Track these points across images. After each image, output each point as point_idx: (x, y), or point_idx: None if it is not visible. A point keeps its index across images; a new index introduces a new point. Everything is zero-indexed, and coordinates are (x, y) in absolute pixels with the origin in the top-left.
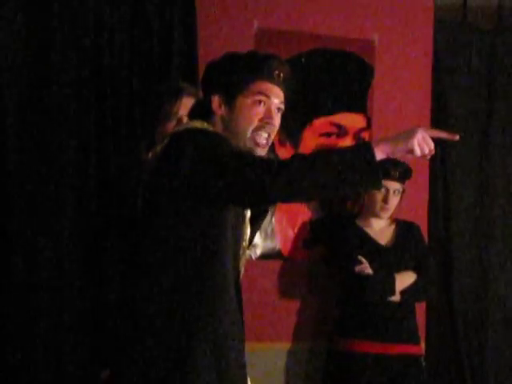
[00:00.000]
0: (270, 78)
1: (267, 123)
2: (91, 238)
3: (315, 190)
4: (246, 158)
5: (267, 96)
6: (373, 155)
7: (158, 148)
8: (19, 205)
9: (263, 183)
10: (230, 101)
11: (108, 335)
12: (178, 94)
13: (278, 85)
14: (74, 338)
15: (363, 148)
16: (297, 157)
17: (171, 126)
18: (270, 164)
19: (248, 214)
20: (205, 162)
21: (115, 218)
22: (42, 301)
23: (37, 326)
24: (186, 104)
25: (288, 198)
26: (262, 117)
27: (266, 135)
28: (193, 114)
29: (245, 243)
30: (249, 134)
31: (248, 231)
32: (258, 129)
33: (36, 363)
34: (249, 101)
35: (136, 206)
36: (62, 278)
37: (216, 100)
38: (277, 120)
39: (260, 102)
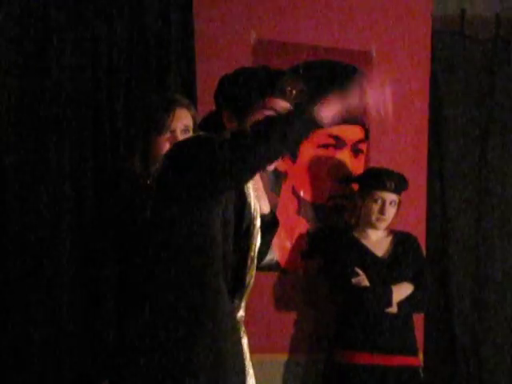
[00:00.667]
0: (282, 95)
1: None
2: (90, 243)
3: (271, 149)
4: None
5: (278, 112)
6: (306, 108)
7: (163, 157)
8: (17, 208)
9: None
10: (240, 116)
11: (107, 345)
12: (170, 106)
13: (290, 101)
14: (73, 348)
15: (301, 106)
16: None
17: (164, 138)
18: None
19: (258, 223)
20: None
21: (113, 223)
22: (42, 306)
23: (35, 334)
24: (179, 116)
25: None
26: None
27: None
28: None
29: (253, 253)
30: None
31: (257, 241)
32: None
33: (34, 373)
34: (259, 116)
35: (139, 216)
36: (60, 282)
37: (227, 114)
38: None
39: None
